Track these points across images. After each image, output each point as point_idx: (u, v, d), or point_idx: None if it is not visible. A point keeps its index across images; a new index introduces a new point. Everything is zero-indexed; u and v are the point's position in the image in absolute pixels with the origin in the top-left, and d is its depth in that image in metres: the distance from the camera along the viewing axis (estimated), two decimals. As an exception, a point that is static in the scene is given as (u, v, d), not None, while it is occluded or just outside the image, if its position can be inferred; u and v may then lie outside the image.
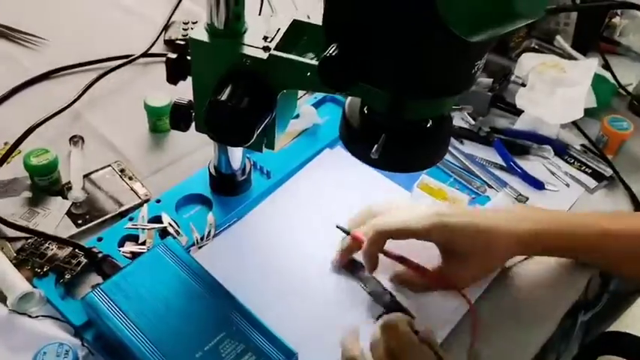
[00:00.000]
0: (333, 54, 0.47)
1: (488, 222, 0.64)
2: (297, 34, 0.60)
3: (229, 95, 0.56)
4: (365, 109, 0.56)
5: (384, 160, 0.54)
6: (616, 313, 0.75)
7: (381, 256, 0.64)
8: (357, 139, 0.56)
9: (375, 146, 0.52)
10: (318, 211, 0.73)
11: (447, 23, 0.42)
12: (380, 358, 0.55)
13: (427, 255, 0.65)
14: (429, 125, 0.55)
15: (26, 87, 0.88)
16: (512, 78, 0.92)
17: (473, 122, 0.88)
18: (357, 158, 0.57)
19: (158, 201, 0.73)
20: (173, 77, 0.62)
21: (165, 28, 0.99)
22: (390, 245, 0.64)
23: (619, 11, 1.06)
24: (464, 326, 0.63)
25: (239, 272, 0.65)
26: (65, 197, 0.72)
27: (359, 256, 0.65)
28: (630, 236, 0.67)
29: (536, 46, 1.01)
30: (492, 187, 0.80)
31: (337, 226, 0.68)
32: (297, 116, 0.84)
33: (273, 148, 0.64)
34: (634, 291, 0.77)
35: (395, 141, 0.53)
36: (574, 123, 0.88)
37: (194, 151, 0.81)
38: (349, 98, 0.57)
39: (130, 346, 0.54)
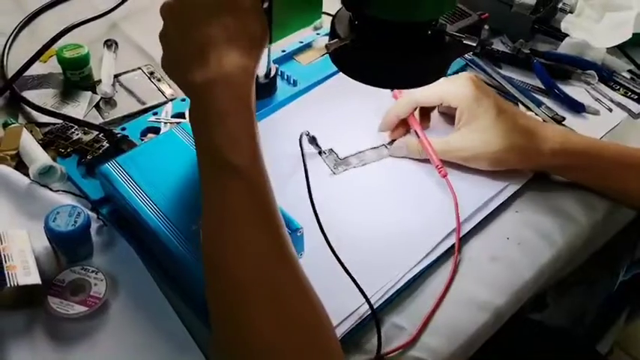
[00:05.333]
0: None
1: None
2: None
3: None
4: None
5: (343, 64, 0.54)
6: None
7: None
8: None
9: (328, 41, 0.51)
10: (341, 118, 0.72)
11: None
12: None
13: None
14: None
15: (69, -1, 0.90)
16: (560, 5, 0.88)
17: (511, 44, 0.84)
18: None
19: (183, 99, 0.73)
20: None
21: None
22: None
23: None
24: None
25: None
26: (95, 92, 0.74)
27: None
28: None
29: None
30: (527, 107, 0.76)
31: None
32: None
33: (270, 42, 0.62)
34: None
35: (361, 45, 0.51)
36: (621, 49, 0.83)
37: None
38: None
39: (140, 213, 0.55)
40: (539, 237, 0.61)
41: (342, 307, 0.53)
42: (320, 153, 0.66)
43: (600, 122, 0.76)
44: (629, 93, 0.79)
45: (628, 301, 1.09)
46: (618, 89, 0.80)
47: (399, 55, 0.52)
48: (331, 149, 0.67)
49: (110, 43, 0.80)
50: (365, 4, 0.49)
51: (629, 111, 0.77)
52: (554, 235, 0.62)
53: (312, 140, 0.65)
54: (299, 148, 0.65)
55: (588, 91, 0.80)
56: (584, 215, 0.64)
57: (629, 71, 0.82)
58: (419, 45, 0.52)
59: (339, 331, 0.52)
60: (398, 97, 0.68)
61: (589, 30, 0.83)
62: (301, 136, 0.63)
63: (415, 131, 0.66)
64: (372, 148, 0.68)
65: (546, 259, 0.60)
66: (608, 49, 0.82)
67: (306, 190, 0.57)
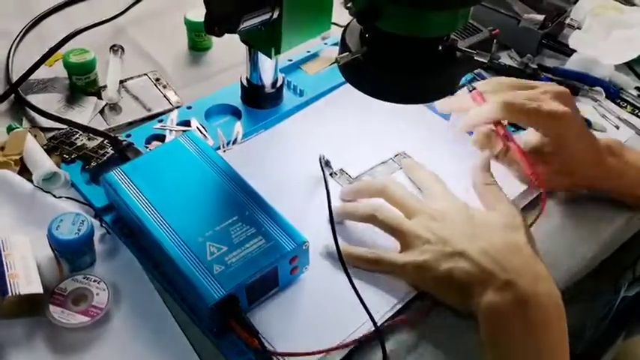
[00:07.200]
0: None
1: None
2: None
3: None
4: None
5: (352, 77, 0.53)
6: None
7: None
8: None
9: (338, 53, 0.50)
10: (347, 129, 0.71)
11: None
12: None
13: None
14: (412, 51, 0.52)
15: (76, 2, 0.90)
16: (568, 21, 0.88)
17: (519, 59, 0.84)
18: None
19: (189, 107, 0.73)
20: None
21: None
22: None
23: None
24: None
25: (260, 174, 0.64)
26: (100, 98, 0.74)
27: None
28: None
29: (596, -8, 0.96)
30: (534, 122, 0.76)
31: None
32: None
33: (279, 52, 0.62)
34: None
35: (372, 59, 0.51)
36: (629, 66, 0.83)
37: (230, 69, 0.80)
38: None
39: (144, 222, 0.54)
40: (558, 247, 0.62)
41: (345, 324, 0.53)
42: (331, 174, 0.65)
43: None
44: (637, 110, 0.79)
45: (629, 317, 1.09)
46: (625, 106, 0.80)
47: (409, 70, 0.52)
48: (342, 169, 0.66)
49: (116, 49, 0.80)
50: (377, 19, 0.48)
51: (635, 128, 0.77)
52: (572, 245, 0.63)
53: (327, 163, 0.64)
54: (306, 160, 0.65)
55: (595, 108, 0.80)
56: (601, 227, 0.65)
57: (637, 88, 0.82)
58: (430, 60, 0.52)
59: (343, 350, 0.51)
60: (480, 99, 0.64)
61: (597, 46, 0.82)
62: (320, 159, 0.62)
63: (506, 136, 0.63)
64: (381, 163, 0.67)
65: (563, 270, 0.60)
66: (615, 66, 0.82)
67: (316, 205, 0.57)
